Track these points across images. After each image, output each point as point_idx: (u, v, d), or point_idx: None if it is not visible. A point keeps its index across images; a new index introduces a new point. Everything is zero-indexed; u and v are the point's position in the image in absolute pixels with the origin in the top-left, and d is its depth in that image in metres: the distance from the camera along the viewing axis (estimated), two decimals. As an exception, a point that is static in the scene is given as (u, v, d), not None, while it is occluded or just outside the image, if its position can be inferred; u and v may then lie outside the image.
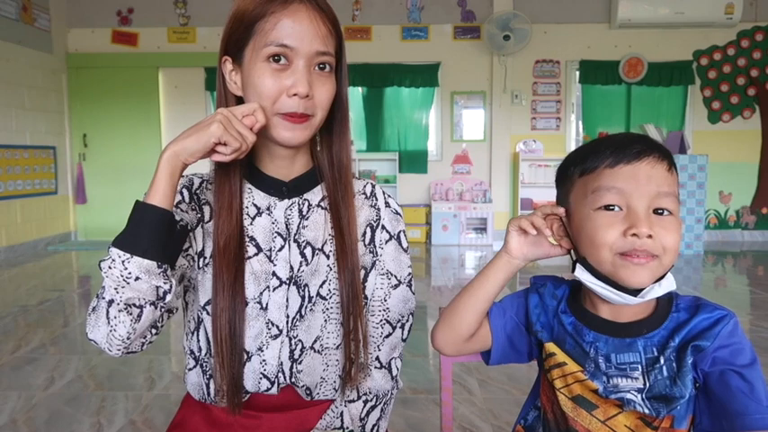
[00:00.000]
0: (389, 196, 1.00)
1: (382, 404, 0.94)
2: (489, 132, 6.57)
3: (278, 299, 0.88)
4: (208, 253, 0.89)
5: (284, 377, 0.88)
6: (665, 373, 0.75)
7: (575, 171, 0.80)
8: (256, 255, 0.88)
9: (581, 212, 0.78)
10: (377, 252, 0.94)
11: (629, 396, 0.77)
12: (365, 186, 0.97)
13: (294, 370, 0.89)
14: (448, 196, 6.52)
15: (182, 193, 0.90)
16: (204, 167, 0.94)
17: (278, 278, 0.88)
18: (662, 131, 5.98)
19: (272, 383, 0.88)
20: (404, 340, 0.97)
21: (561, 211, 0.82)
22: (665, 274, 0.77)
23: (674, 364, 0.75)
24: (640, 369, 0.77)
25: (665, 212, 0.74)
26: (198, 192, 0.92)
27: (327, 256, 0.90)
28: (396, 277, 0.95)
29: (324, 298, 0.89)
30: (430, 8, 6.44)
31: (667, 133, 5.95)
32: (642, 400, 0.76)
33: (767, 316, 3.57)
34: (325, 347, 0.90)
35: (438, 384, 1.05)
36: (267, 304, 0.87)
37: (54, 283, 4.49)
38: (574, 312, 0.84)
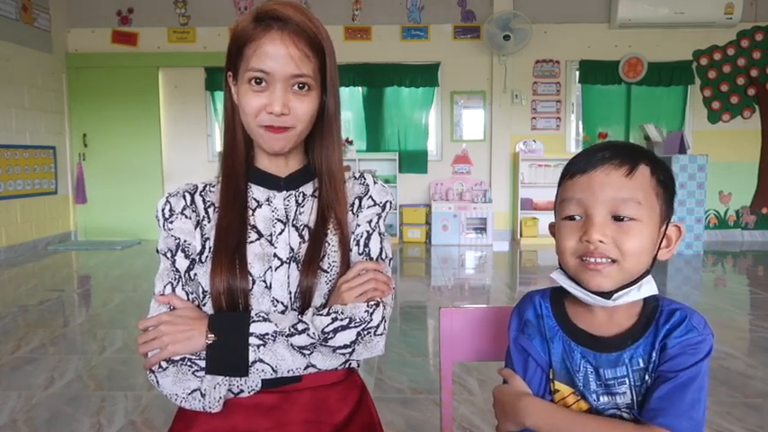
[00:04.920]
0: (379, 180, 1.09)
1: (359, 329, 0.92)
2: (489, 132, 6.57)
3: (280, 277, 0.95)
4: (208, 247, 0.96)
5: None
6: (648, 382, 0.77)
7: (559, 182, 0.85)
8: (258, 239, 0.97)
9: (556, 222, 0.83)
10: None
11: (620, 413, 0.79)
12: (355, 173, 1.08)
13: None
14: (448, 196, 6.52)
15: (184, 198, 1.00)
16: (204, 175, 1.00)
17: (279, 258, 0.96)
18: (662, 131, 5.99)
19: None
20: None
21: None
22: (640, 279, 0.78)
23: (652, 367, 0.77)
24: (627, 383, 0.78)
25: (626, 219, 0.75)
26: (202, 194, 1.01)
27: (325, 234, 0.99)
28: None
29: (325, 271, 0.96)
30: (430, 8, 6.44)
31: (667, 133, 5.96)
32: (634, 416, 0.78)
33: (767, 316, 3.57)
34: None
35: (438, 384, 1.05)
36: (271, 283, 0.94)
37: (54, 283, 4.49)
38: (559, 320, 0.85)
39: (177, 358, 0.89)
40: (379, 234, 1.03)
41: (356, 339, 0.91)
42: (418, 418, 2.07)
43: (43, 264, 5.27)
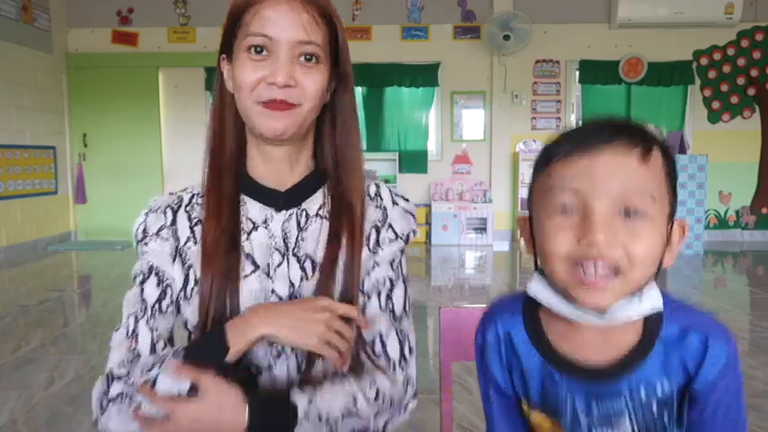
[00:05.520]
0: (398, 194, 0.91)
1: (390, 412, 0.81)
2: (489, 132, 6.57)
3: None
4: (193, 277, 0.82)
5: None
6: (657, 418, 0.65)
7: (536, 165, 0.67)
8: (254, 272, 0.81)
9: (537, 216, 0.65)
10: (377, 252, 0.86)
11: None
12: (368, 187, 0.89)
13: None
14: (448, 196, 6.52)
15: (165, 214, 0.84)
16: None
17: (278, 296, 0.82)
18: (662, 131, 5.99)
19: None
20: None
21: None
22: (641, 289, 0.63)
23: (669, 404, 0.64)
24: (627, 416, 0.64)
25: (637, 215, 0.58)
26: (188, 209, 0.85)
27: (333, 270, 0.83)
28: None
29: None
30: (430, 8, 6.44)
31: (667, 133, 5.96)
32: None
33: (767, 316, 3.57)
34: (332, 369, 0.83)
35: (438, 384, 1.04)
36: None
37: (54, 283, 4.49)
38: (538, 348, 0.69)
39: (115, 394, 0.76)
40: (404, 281, 0.87)
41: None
42: (418, 418, 2.07)
43: (43, 264, 5.27)
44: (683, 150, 5.63)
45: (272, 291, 0.82)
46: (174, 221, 0.84)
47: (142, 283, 0.82)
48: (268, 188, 0.84)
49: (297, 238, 0.84)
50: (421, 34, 6.46)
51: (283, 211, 0.84)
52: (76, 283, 4.65)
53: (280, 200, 0.84)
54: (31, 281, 4.58)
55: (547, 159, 0.64)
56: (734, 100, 6.38)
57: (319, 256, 0.83)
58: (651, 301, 0.62)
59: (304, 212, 0.85)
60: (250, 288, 0.81)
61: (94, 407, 0.77)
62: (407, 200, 0.92)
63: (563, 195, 0.61)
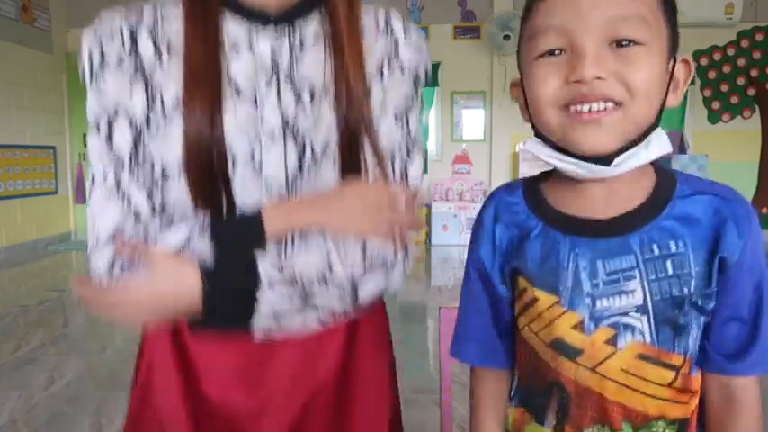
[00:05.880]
0: (410, 25, 0.78)
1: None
2: (489, 132, 6.57)
3: (274, 155, 0.69)
4: (168, 100, 0.67)
5: None
6: (673, 280, 0.57)
7: (522, 16, 0.63)
8: (238, 98, 0.68)
9: (525, 69, 0.60)
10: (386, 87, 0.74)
11: (625, 320, 0.58)
12: (377, 15, 0.75)
13: None
14: (448, 196, 6.52)
15: (122, 36, 0.67)
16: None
17: (268, 127, 0.69)
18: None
19: None
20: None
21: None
22: (646, 134, 0.57)
23: (686, 268, 0.57)
24: (638, 277, 0.57)
25: (630, 43, 0.54)
26: (154, 31, 0.68)
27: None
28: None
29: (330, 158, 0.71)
30: (430, 8, 6.44)
31: (667, 133, 5.96)
32: (646, 322, 0.58)
33: (767, 316, 3.57)
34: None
35: (438, 384, 1.05)
36: (261, 163, 0.69)
37: (54, 283, 4.49)
38: (538, 213, 0.64)
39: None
40: (417, 111, 0.77)
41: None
42: (418, 418, 2.07)
43: (43, 264, 5.27)
44: (682, 150, 5.64)
45: (262, 120, 0.69)
46: (135, 46, 0.68)
47: (109, 129, 0.66)
48: (253, 8, 0.69)
49: (290, 60, 0.70)
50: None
51: (271, 27, 0.70)
52: (76, 283, 4.65)
53: (270, 18, 0.70)
54: (31, 281, 4.58)
55: (529, 3, 0.60)
56: (734, 100, 6.38)
57: (317, 81, 0.70)
58: (659, 146, 0.58)
59: (298, 32, 0.71)
60: (235, 119, 0.68)
61: (103, 275, 0.66)
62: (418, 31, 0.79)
63: (547, 36, 0.56)
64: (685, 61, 0.60)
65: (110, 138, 0.66)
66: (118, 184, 0.66)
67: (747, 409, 0.60)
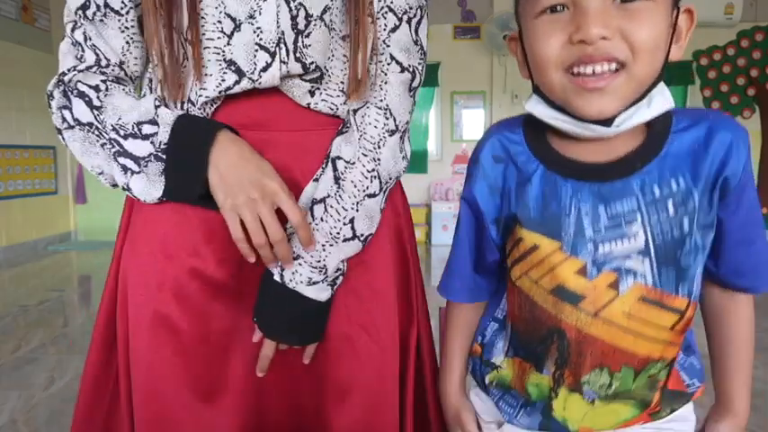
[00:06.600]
0: None
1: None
2: (489, 132, 6.57)
3: (269, 8, 0.68)
4: None
5: (287, 50, 0.70)
6: (675, 220, 0.57)
7: None
8: None
9: (525, 26, 0.59)
10: None
11: (627, 264, 0.58)
12: None
13: (299, 43, 0.70)
14: (448, 196, 6.52)
15: None
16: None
17: None
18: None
19: (273, 56, 0.69)
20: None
21: None
22: (650, 88, 0.57)
23: (689, 205, 0.57)
24: (639, 220, 0.57)
25: None
26: None
27: None
28: None
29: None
30: (430, 8, 6.38)
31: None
32: (648, 265, 0.57)
33: (767, 315, 3.57)
34: (333, 24, 0.72)
35: (438, 384, 1.04)
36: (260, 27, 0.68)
37: (54, 283, 4.49)
38: (539, 155, 0.63)
39: (85, 121, 0.71)
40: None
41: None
42: (418, 418, 2.07)
43: (43, 264, 5.27)
44: (682, 150, 5.64)
45: None
46: None
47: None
48: None
49: None
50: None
51: None
52: (76, 283, 4.65)
53: None
54: (31, 281, 4.57)
55: None
56: (734, 100, 6.38)
57: None
58: (661, 102, 0.57)
59: None
60: None
61: (55, 116, 0.74)
62: None
63: None
64: (688, 11, 0.58)
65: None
66: (83, 34, 0.74)
67: (747, 305, 0.65)
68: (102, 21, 0.71)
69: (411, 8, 0.77)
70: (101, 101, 0.70)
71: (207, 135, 0.66)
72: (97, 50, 0.73)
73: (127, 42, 0.72)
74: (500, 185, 0.66)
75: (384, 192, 0.77)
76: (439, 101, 6.60)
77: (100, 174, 0.74)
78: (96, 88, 0.71)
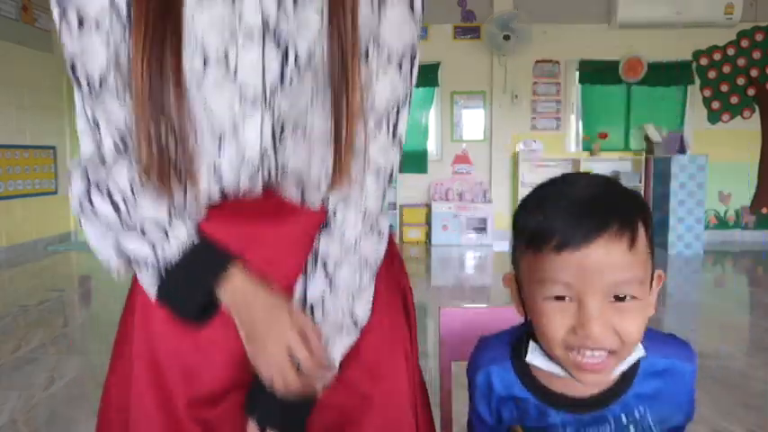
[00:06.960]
0: None
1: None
2: (489, 132, 6.58)
3: (252, 59, 0.63)
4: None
5: (269, 162, 0.67)
6: None
7: (521, 239, 0.69)
8: None
9: (530, 295, 0.68)
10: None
11: None
12: None
13: (279, 153, 0.67)
14: (448, 196, 6.52)
15: None
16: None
17: (246, 27, 0.62)
18: (662, 131, 5.99)
19: (258, 170, 0.67)
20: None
21: None
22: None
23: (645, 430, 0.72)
24: None
25: (627, 298, 0.62)
26: None
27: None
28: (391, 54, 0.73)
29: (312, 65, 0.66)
30: (430, 8, 6.42)
31: (667, 133, 5.96)
32: None
33: (767, 316, 3.58)
34: (310, 132, 0.68)
35: (438, 384, 1.05)
36: (237, 66, 0.63)
37: (54, 283, 4.49)
38: (530, 389, 0.74)
39: (109, 221, 0.67)
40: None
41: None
42: (418, 418, 2.07)
43: (43, 264, 5.27)
44: (682, 150, 5.64)
45: (240, 18, 0.62)
46: None
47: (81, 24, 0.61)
48: None
49: None
50: (421, 34, 6.46)
51: None
52: (76, 283, 4.65)
53: None
54: (31, 281, 4.58)
55: (535, 246, 0.65)
56: (734, 100, 6.39)
57: None
58: (635, 354, 0.68)
59: None
60: (210, 19, 0.61)
61: (74, 205, 0.69)
62: None
63: (556, 287, 0.63)
64: (658, 275, 0.68)
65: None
66: (93, 112, 0.65)
67: None
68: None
69: (393, 108, 0.76)
70: (129, 214, 0.67)
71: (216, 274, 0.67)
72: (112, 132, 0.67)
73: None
74: (498, 408, 0.76)
75: (374, 273, 0.77)
76: (439, 101, 6.60)
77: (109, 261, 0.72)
78: (124, 195, 0.66)
